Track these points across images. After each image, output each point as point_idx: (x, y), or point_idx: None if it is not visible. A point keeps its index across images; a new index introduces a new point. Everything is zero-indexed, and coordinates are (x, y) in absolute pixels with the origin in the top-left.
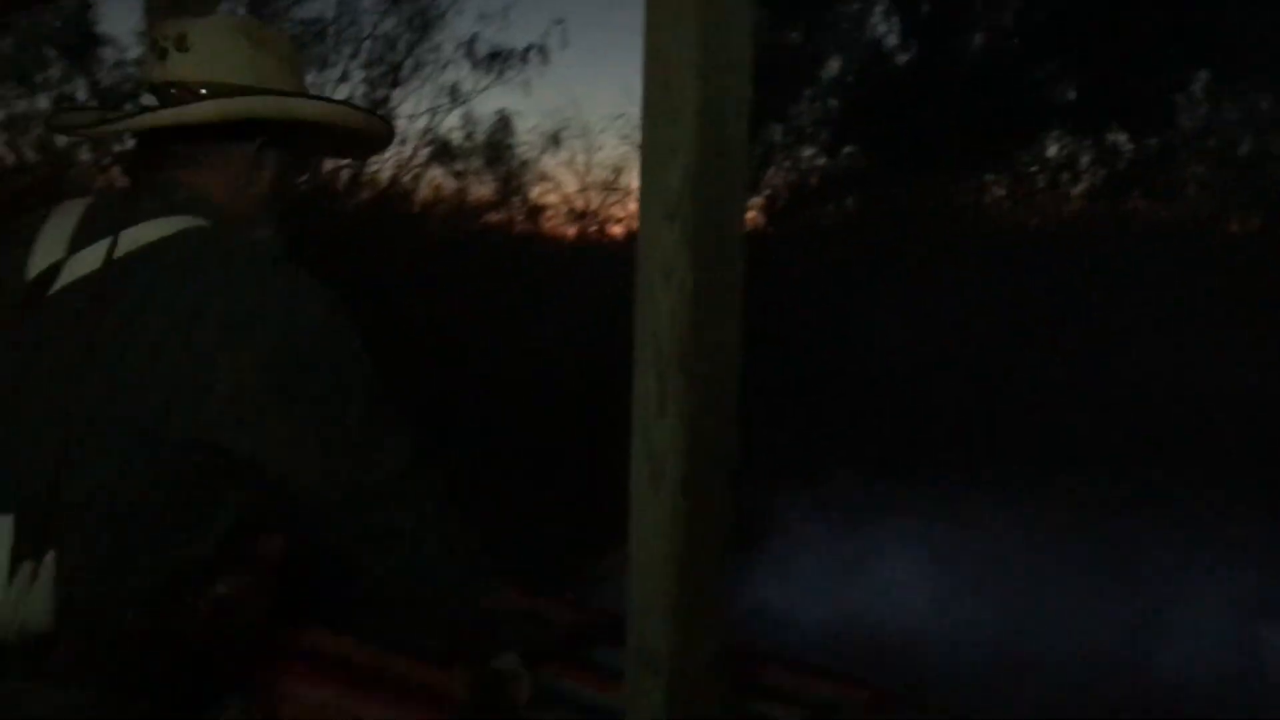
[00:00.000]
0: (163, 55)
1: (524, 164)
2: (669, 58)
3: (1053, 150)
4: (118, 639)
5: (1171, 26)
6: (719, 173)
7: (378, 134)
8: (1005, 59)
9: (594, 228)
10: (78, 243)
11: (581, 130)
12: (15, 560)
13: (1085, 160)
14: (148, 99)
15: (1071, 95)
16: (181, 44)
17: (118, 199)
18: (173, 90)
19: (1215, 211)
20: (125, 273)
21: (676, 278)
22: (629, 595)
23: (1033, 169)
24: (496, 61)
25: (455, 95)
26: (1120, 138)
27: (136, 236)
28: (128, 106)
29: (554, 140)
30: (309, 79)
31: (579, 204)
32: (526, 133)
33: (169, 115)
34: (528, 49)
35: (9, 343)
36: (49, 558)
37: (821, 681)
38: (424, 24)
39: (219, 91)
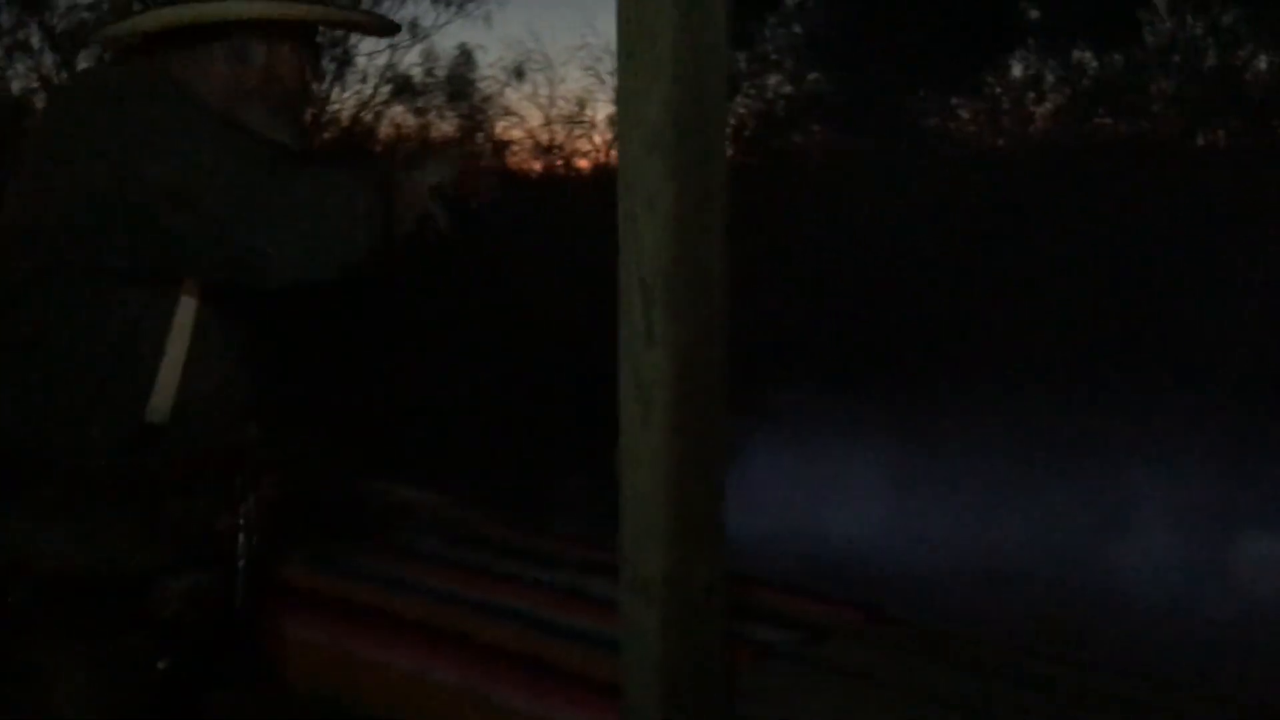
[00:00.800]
0: None
1: (487, 99)
2: None
3: (1018, 70)
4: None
5: None
6: (699, 101)
7: (363, 25)
8: None
9: (560, 161)
10: None
11: (544, 63)
12: None
13: (1051, 79)
14: (137, 4)
15: (1035, 14)
16: None
17: None
18: None
19: (1182, 127)
20: None
21: (660, 209)
22: (623, 525)
23: (999, 89)
24: None
25: (415, 31)
26: (1085, 55)
27: None
28: (137, 7)
29: (517, 74)
30: None
31: (544, 138)
32: (488, 67)
33: (114, 29)
34: None
35: None
36: None
37: (814, 604)
38: None
39: None
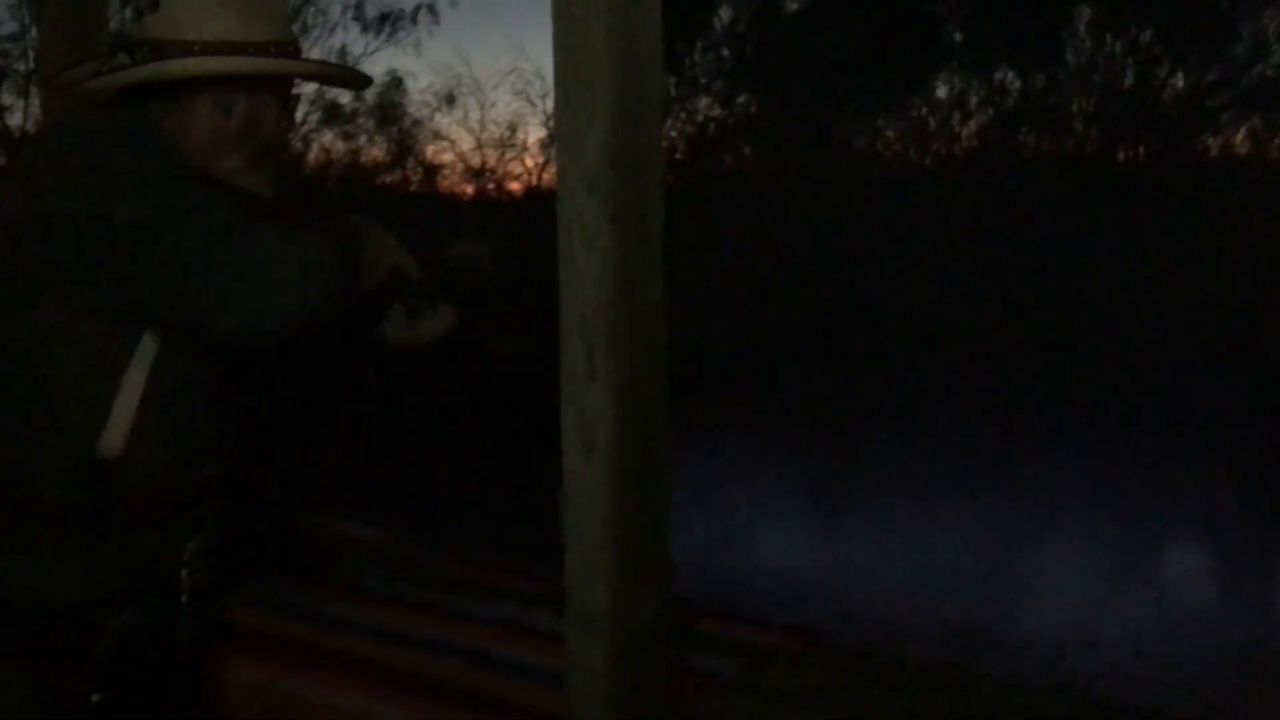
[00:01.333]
0: (139, 15)
1: (417, 123)
2: (580, 26)
3: (943, 91)
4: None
5: None
6: (636, 141)
7: (336, 78)
8: (893, 2)
9: (492, 185)
10: None
11: (475, 87)
12: None
13: (975, 99)
14: (123, 58)
15: (959, 36)
16: (153, 5)
17: None
18: (142, 48)
19: (1103, 143)
20: None
21: (600, 249)
22: (568, 561)
23: (924, 109)
24: (386, 23)
25: (345, 58)
26: (1008, 75)
27: None
28: (122, 58)
29: (448, 99)
30: None
31: (475, 161)
32: (419, 92)
33: (96, 83)
34: (417, 9)
35: None
36: None
37: (756, 630)
38: None
39: (178, 50)
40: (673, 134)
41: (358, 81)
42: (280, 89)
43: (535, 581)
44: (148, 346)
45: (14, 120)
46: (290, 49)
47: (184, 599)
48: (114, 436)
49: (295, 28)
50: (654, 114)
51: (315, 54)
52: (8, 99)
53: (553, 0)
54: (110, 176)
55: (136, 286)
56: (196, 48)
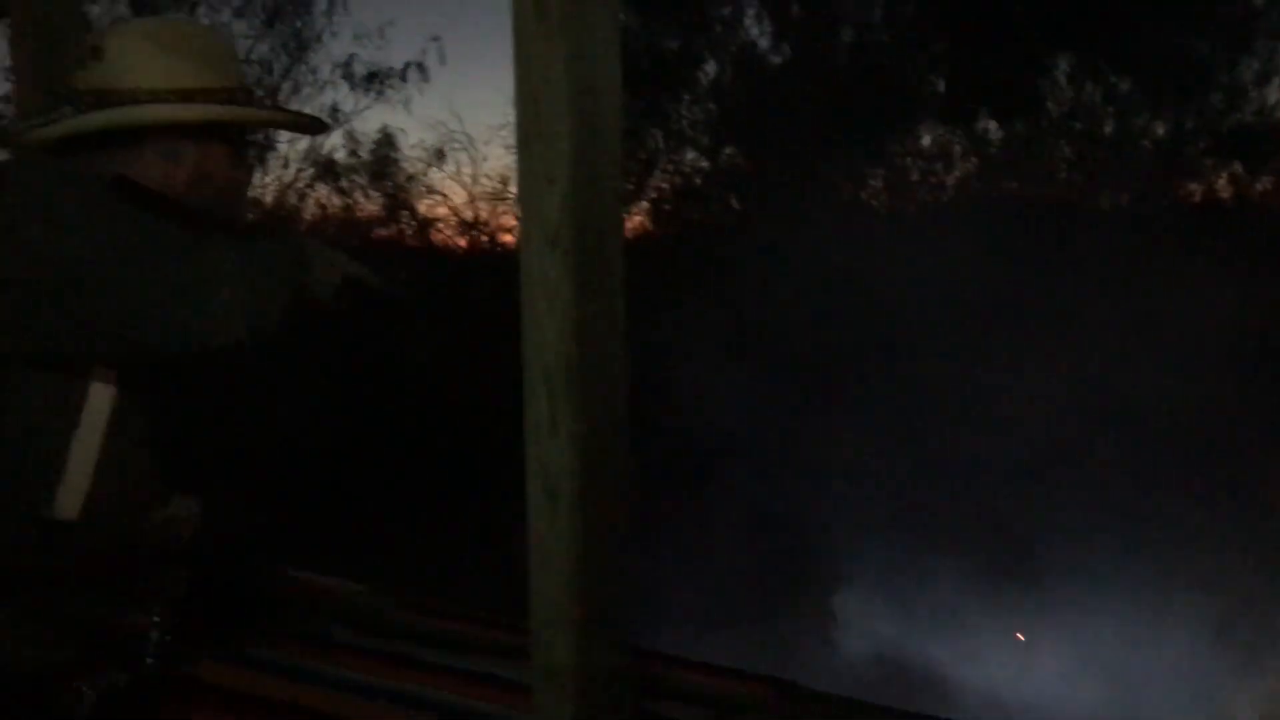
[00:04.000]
0: (82, 64)
1: (410, 178)
2: (538, 87)
3: (925, 140)
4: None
5: (1032, 14)
6: (596, 197)
7: (285, 124)
8: (875, 54)
9: (485, 238)
10: None
11: (466, 142)
12: None
13: (957, 149)
14: (65, 108)
15: (940, 87)
16: (96, 54)
17: None
18: (86, 97)
19: (1085, 190)
20: None
21: (560, 303)
22: (532, 612)
23: (907, 159)
24: (375, 81)
25: (336, 116)
26: (990, 124)
27: None
28: (66, 109)
29: (439, 154)
30: None
31: (468, 215)
32: (411, 148)
33: (41, 133)
34: (406, 67)
35: None
36: None
37: (727, 680)
38: (299, 46)
39: (121, 99)
40: (661, 185)
41: (310, 126)
42: (230, 135)
43: (507, 634)
44: (101, 397)
45: None
46: (240, 95)
47: (150, 661)
48: (70, 498)
49: (286, 86)
50: (613, 171)
51: (307, 110)
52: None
53: (515, 61)
54: (43, 217)
55: (84, 328)
56: (140, 95)
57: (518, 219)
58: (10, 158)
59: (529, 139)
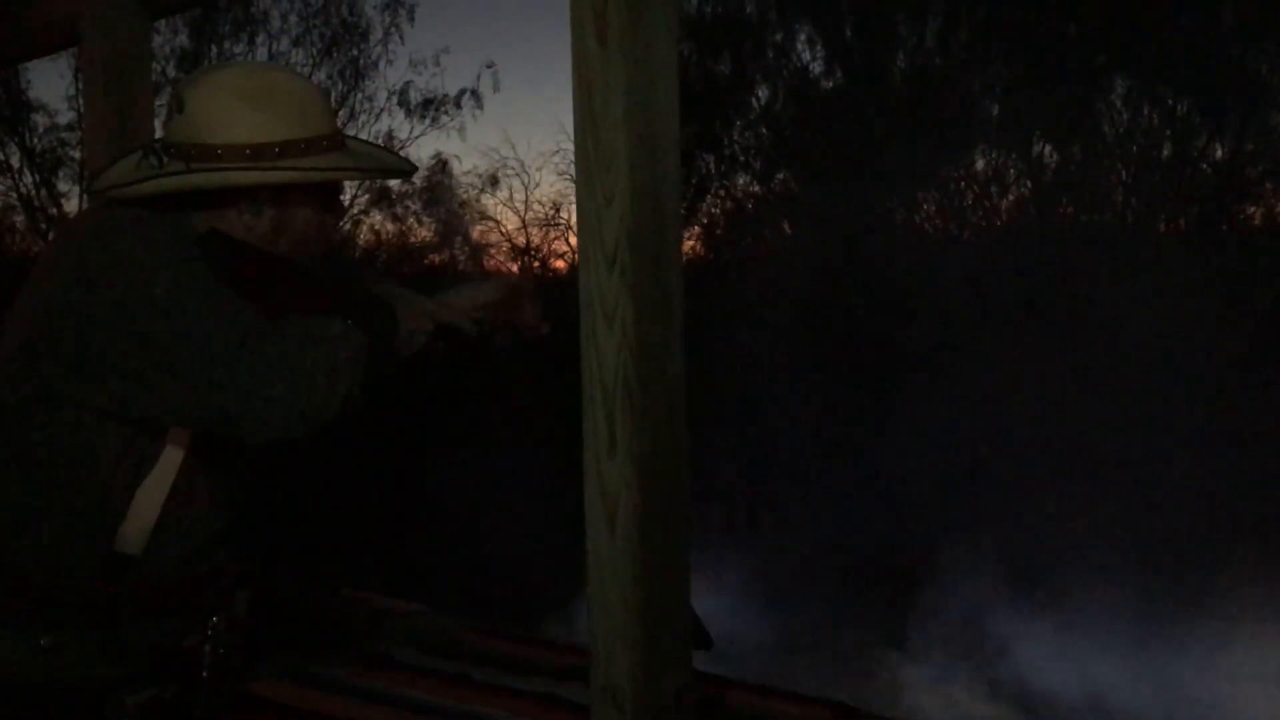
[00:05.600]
0: (169, 116)
1: (464, 204)
2: (598, 109)
3: (980, 164)
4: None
5: (1089, 38)
6: (654, 218)
7: (374, 173)
8: (928, 78)
9: (536, 264)
10: None
11: (519, 168)
12: None
13: (1012, 172)
14: (151, 161)
15: (995, 110)
16: (180, 107)
17: None
18: (172, 150)
19: (1142, 214)
20: None
21: (619, 322)
22: (591, 633)
23: (962, 183)
24: (430, 108)
25: (392, 142)
26: (1045, 148)
27: None
28: (152, 161)
29: (492, 180)
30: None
31: (520, 240)
32: (464, 174)
33: (122, 192)
34: (461, 94)
35: None
36: None
37: (785, 703)
38: (356, 74)
39: (206, 155)
40: (714, 210)
41: (398, 172)
42: (313, 187)
43: (566, 655)
44: (172, 454)
45: (70, 205)
46: (325, 142)
47: (205, 674)
48: (134, 534)
49: (343, 113)
50: (671, 192)
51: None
52: (64, 186)
53: (573, 83)
54: (131, 281)
55: (158, 403)
56: (220, 151)
57: (577, 239)
58: (101, 207)
59: (588, 161)
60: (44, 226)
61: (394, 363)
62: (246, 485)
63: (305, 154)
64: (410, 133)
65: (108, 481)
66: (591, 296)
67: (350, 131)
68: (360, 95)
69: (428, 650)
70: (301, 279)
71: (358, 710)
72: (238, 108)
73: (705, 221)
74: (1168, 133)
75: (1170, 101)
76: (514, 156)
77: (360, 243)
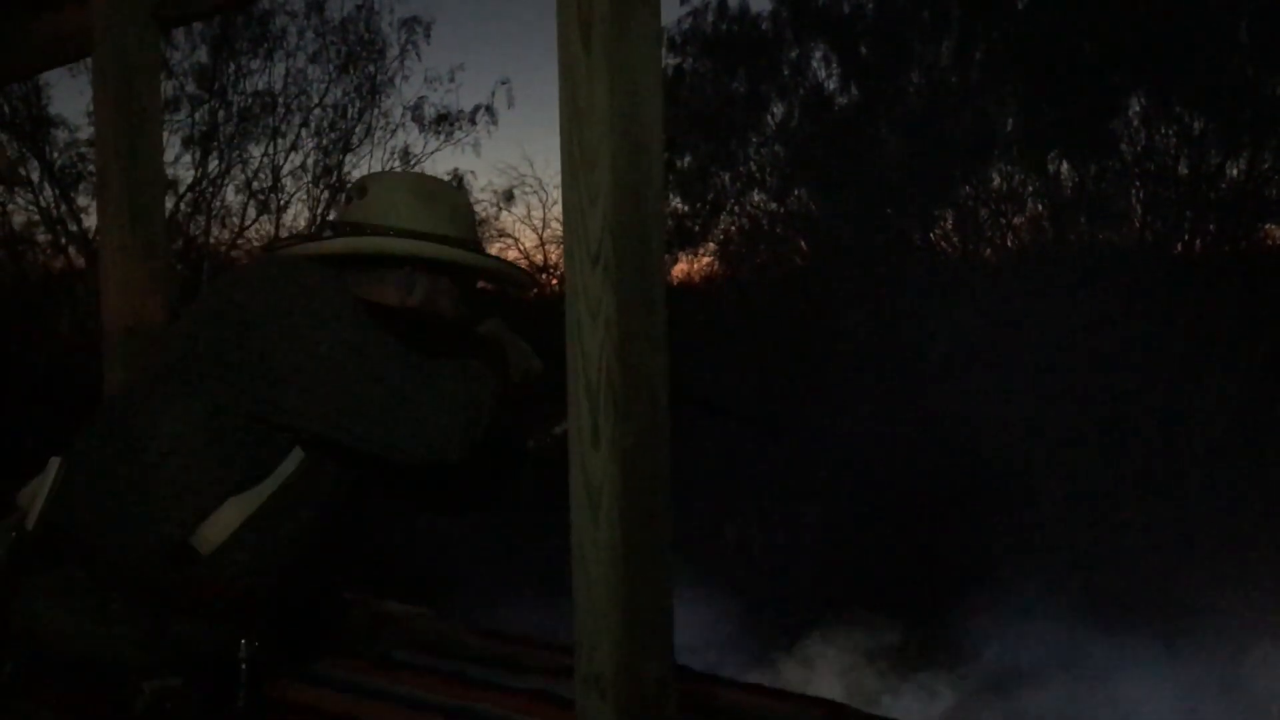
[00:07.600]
0: (349, 200)
1: (480, 222)
2: (583, 111)
3: (996, 181)
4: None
5: (1105, 55)
6: (637, 217)
7: (506, 276)
8: (944, 96)
9: (554, 281)
10: None
11: (537, 185)
12: None
13: (1028, 190)
14: (328, 233)
15: (1010, 128)
16: (362, 194)
17: None
18: (346, 228)
19: (1161, 234)
20: None
21: (603, 317)
22: (576, 623)
23: (977, 201)
24: (445, 124)
25: (407, 158)
26: (1062, 166)
27: None
28: (327, 234)
29: (508, 197)
30: None
31: (538, 258)
32: (480, 191)
33: (307, 247)
34: (475, 110)
35: None
36: None
37: (776, 701)
38: (372, 90)
39: (376, 232)
40: (730, 228)
41: (525, 284)
42: (460, 278)
43: (559, 655)
44: (288, 464)
45: (89, 221)
46: (471, 244)
47: (244, 668)
48: (211, 534)
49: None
50: (654, 192)
51: (378, 153)
52: (84, 200)
53: (560, 87)
54: (308, 310)
55: (297, 430)
56: (390, 231)
57: (563, 237)
58: (283, 258)
59: (573, 161)
60: (63, 241)
61: (509, 399)
62: (328, 530)
63: (456, 248)
64: (425, 148)
65: (202, 479)
66: (576, 293)
67: (365, 149)
68: (376, 111)
69: (428, 650)
70: (439, 326)
71: (353, 706)
72: (409, 200)
73: (720, 238)
74: (1185, 151)
75: (1187, 119)
76: (532, 174)
77: None
